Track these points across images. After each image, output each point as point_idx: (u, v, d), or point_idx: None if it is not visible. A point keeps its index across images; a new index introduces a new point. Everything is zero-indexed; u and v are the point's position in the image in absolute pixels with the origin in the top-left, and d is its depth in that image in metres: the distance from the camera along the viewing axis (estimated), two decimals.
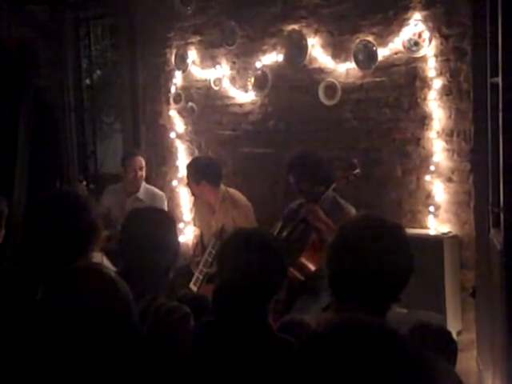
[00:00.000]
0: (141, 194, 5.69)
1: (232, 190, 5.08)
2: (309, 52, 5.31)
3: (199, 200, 5.26)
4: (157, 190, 5.89)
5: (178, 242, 2.76)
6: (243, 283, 2.24)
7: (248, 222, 4.77)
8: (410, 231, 4.58)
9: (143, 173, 5.74)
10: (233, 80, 5.92)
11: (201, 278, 4.77)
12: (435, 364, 2.09)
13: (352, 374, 1.03)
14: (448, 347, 2.58)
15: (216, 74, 6.02)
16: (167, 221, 2.70)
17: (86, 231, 2.42)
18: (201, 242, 5.22)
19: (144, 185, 5.80)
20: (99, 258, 4.37)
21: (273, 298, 2.36)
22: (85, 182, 7.07)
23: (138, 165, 5.68)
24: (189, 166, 5.16)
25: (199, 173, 4.98)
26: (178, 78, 6.38)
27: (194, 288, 4.76)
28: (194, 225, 5.50)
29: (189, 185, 5.12)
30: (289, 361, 1.12)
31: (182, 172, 6.43)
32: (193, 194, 5.23)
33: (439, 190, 4.71)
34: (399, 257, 2.03)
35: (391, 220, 2.19)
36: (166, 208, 5.63)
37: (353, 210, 4.27)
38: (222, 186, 5.05)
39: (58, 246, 2.31)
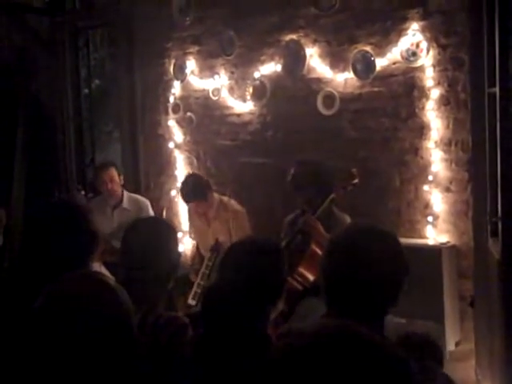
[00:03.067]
0: (125, 204, 5.60)
1: (225, 198, 5.07)
2: (307, 62, 5.32)
3: (194, 213, 5.22)
4: (140, 198, 5.79)
5: (179, 253, 2.75)
6: (240, 288, 2.23)
7: (243, 226, 4.77)
8: (409, 241, 4.59)
9: (117, 183, 5.57)
10: (231, 90, 5.94)
11: (199, 292, 4.72)
12: (432, 372, 2.10)
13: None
14: (434, 356, 2.58)
15: (214, 84, 6.03)
16: (168, 231, 2.70)
17: (84, 239, 2.43)
18: (198, 253, 5.21)
19: (126, 194, 5.70)
20: (97, 268, 4.37)
21: (272, 307, 2.36)
22: (83, 191, 7.06)
23: (108, 176, 5.53)
24: (191, 188, 5.01)
25: (204, 188, 4.94)
26: (176, 88, 6.39)
27: (192, 302, 4.72)
28: (190, 236, 5.48)
29: (196, 206, 5.01)
30: (266, 371, 1.13)
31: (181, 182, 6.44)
32: (197, 213, 5.08)
33: (437, 200, 4.72)
34: (392, 264, 2.03)
35: (383, 228, 2.20)
36: (151, 213, 5.56)
37: (347, 219, 4.27)
38: (216, 195, 5.05)
39: (56, 253, 2.31)
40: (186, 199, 5.08)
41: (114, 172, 5.56)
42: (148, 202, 5.79)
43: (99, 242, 2.50)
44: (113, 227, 5.14)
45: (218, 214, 4.95)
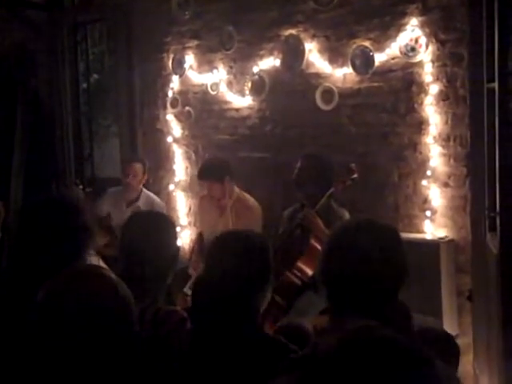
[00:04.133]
0: (141, 203, 5.61)
1: (246, 194, 5.05)
2: (306, 57, 5.32)
3: (205, 201, 5.21)
4: (157, 200, 5.82)
5: (178, 247, 2.76)
6: (227, 277, 2.23)
7: (256, 224, 4.73)
8: (407, 236, 4.60)
9: (138, 179, 5.64)
10: (230, 84, 5.94)
11: None
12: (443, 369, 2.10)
13: None
14: (450, 351, 2.59)
15: (213, 79, 6.03)
16: (167, 225, 2.71)
17: (81, 234, 2.43)
18: (201, 244, 5.18)
19: (144, 193, 5.73)
20: (96, 262, 4.37)
21: (262, 297, 2.34)
22: (81, 186, 7.07)
23: (131, 171, 5.61)
24: (208, 166, 5.02)
25: (222, 169, 4.90)
26: (175, 83, 6.39)
27: (189, 292, 4.72)
28: (195, 225, 5.45)
29: (210, 186, 4.96)
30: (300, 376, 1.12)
31: (179, 176, 6.44)
32: (212, 195, 5.05)
33: (436, 195, 4.73)
34: (392, 258, 2.04)
35: (383, 222, 2.20)
36: None
37: (346, 214, 4.28)
38: (236, 188, 5.02)
39: (53, 249, 2.32)
40: (201, 175, 5.04)
41: (137, 167, 5.62)
42: (163, 206, 5.80)
43: (94, 236, 2.50)
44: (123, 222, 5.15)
45: (234, 207, 4.92)
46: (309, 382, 1.10)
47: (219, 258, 2.31)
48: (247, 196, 5.04)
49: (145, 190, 5.77)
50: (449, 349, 2.56)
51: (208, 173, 4.96)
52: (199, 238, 5.22)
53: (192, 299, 2.36)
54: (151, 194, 5.83)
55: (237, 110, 5.93)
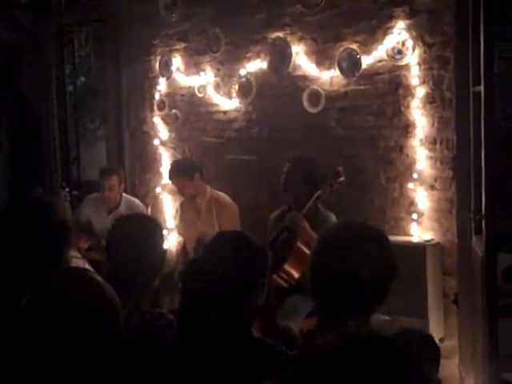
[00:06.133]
0: (122, 209, 5.57)
1: (219, 192, 5.08)
2: (293, 59, 5.33)
3: (185, 206, 5.24)
4: (137, 202, 5.81)
5: (164, 249, 2.75)
6: (218, 279, 2.22)
7: (233, 223, 4.77)
8: (393, 238, 4.59)
9: (116, 191, 5.61)
10: (217, 87, 5.93)
11: None
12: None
13: None
14: (432, 351, 2.59)
15: (200, 81, 6.02)
16: (154, 227, 2.70)
17: (60, 231, 2.42)
18: (184, 250, 5.20)
19: (124, 199, 5.71)
20: (82, 265, 4.36)
21: (252, 300, 2.34)
22: (67, 189, 7.03)
23: (108, 184, 5.54)
24: (176, 165, 5.15)
25: (191, 167, 5.04)
26: (162, 85, 6.38)
27: None
28: (178, 233, 5.48)
29: (180, 184, 5.07)
30: (289, 378, 1.11)
31: (166, 179, 6.42)
32: (183, 194, 5.15)
33: (422, 198, 4.74)
34: (381, 261, 2.04)
35: (372, 225, 2.20)
36: None
37: (333, 217, 4.28)
38: (209, 188, 5.06)
39: (35, 248, 2.30)
40: (170, 175, 5.19)
41: (114, 181, 5.58)
42: (144, 208, 5.80)
43: (70, 233, 2.49)
44: (105, 228, 5.14)
45: (210, 207, 4.96)
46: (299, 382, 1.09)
47: (216, 255, 2.30)
48: (221, 194, 5.08)
49: (124, 194, 5.74)
50: (429, 350, 2.56)
51: (176, 171, 5.09)
52: (183, 248, 5.24)
53: (181, 298, 2.34)
54: (132, 198, 5.80)
55: (224, 112, 5.93)
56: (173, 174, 5.14)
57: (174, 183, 5.25)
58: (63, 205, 5.24)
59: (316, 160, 4.51)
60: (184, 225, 5.32)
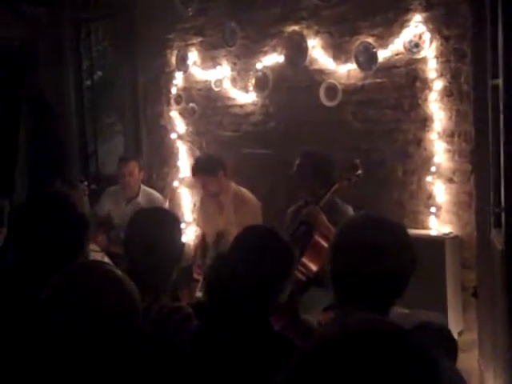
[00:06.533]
0: (140, 199, 5.65)
1: (243, 189, 5.07)
2: (309, 53, 5.32)
3: (206, 200, 5.23)
4: (156, 194, 5.85)
5: (183, 243, 2.76)
6: (248, 271, 2.23)
7: (253, 220, 4.75)
8: (412, 232, 4.57)
9: (136, 177, 5.67)
10: (233, 81, 5.93)
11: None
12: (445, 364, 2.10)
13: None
14: (449, 345, 2.58)
15: (217, 75, 6.03)
16: (172, 221, 2.71)
17: (79, 225, 2.44)
18: (203, 243, 5.19)
19: (143, 189, 5.76)
20: (101, 258, 4.39)
21: (275, 297, 2.35)
22: (86, 183, 7.07)
23: (127, 170, 5.62)
24: (201, 162, 5.07)
25: (215, 164, 4.95)
26: (178, 79, 6.39)
27: (200, 295, 4.70)
28: (197, 225, 5.48)
29: (203, 181, 4.99)
30: (296, 366, 1.10)
31: (184, 173, 6.44)
32: (206, 191, 5.08)
33: (440, 191, 4.72)
34: (400, 255, 2.03)
35: (391, 219, 2.19)
36: None
37: (350, 211, 4.28)
38: (233, 184, 5.05)
39: (55, 242, 2.32)
40: (194, 172, 5.09)
41: (133, 166, 5.65)
42: (163, 200, 5.83)
43: (89, 227, 2.51)
44: (125, 219, 5.17)
45: (234, 203, 4.95)
46: (307, 370, 1.09)
47: (243, 250, 2.31)
48: (244, 190, 5.06)
49: (143, 186, 5.78)
50: (448, 343, 2.56)
51: (201, 168, 5.01)
52: (202, 241, 5.23)
53: (208, 292, 2.34)
54: (150, 190, 5.86)
55: (240, 106, 5.93)
56: (197, 170, 5.06)
57: (197, 180, 5.17)
58: (82, 199, 5.27)
59: (327, 154, 4.50)
60: (204, 219, 5.31)
